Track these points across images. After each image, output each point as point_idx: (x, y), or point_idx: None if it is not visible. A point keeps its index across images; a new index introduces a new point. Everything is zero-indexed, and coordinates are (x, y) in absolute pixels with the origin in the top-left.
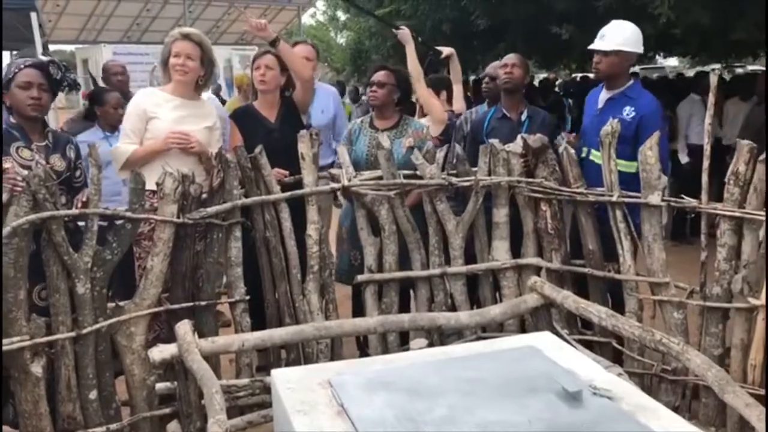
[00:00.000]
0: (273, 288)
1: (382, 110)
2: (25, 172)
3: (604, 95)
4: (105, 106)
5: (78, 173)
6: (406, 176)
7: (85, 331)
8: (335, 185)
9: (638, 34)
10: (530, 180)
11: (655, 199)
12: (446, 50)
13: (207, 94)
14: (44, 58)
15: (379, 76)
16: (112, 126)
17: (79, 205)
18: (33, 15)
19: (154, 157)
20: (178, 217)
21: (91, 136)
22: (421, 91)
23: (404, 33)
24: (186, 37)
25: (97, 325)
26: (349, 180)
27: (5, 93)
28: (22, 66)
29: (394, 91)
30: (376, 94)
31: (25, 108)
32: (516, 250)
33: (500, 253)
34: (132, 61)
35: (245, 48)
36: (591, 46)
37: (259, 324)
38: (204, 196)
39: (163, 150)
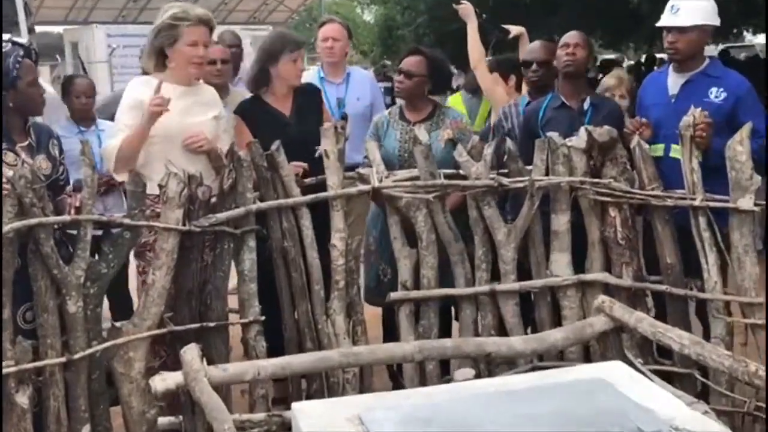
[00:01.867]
0: (292, 307)
1: (411, 101)
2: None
3: (676, 79)
4: (70, 94)
5: (61, 170)
6: (446, 176)
7: (76, 356)
8: (363, 187)
9: (714, 4)
10: (596, 180)
11: (746, 203)
12: (515, 29)
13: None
14: (23, 41)
15: (408, 63)
16: (84, 119)
17: (72, 210)
18: None
19: (144, 138)
20: (184, 225)
21: (62, 132)
22: (483, 76)
23: (466, 8)
24: (204, 22)
25: (91, 350)
26: (380, 180)
27: (6, 92)
28: (20, 59)
29: (424, 83)
30: (401, 85)
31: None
32: (579, 264)
33: (560, 268)
34: (128, 43)
35: (258, 27)
36: (663, 23)
37: (275, 349)
38: (213, 200)
39: (151, 124)
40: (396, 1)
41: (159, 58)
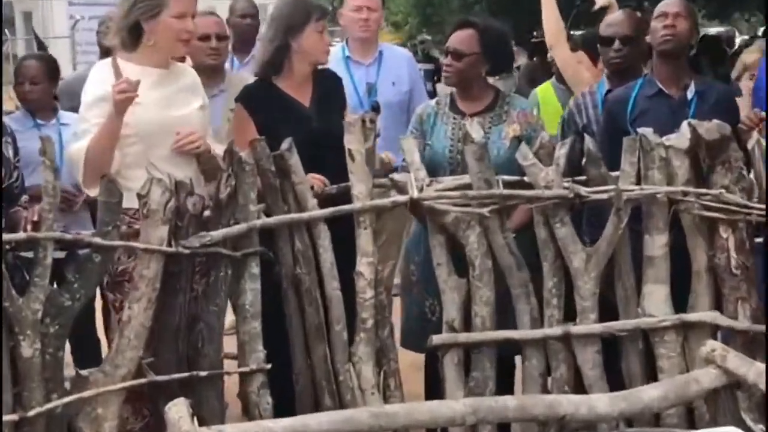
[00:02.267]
0: (305, 352)
1: (464, 88)
2: None
3: None
4: (23, 78)
5: (16, 175)
6: (507, 184)
7: (31, 412)
8: (399, 198)
9: None
10: (703, 191)
11: None
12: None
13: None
14: None
15: (457, 40)
16: (41, 109)
17: (28, 226)
18: None
19: (115, 136)
20: (169, 245)
21: (15, 125)
22: (562, 55)
23: None
24: None
25: (50, 405)
26: (421, 190)
27: None
28: None
29: (479, 63)
30: (450, 69)
31: None
32: (680, 300)
33: (656, 304)
34: (95, 14)
35: None
36: None
37: (284, 406)
38: (206, 213)
39: (121, 117)
40: None
41: (131, 34)
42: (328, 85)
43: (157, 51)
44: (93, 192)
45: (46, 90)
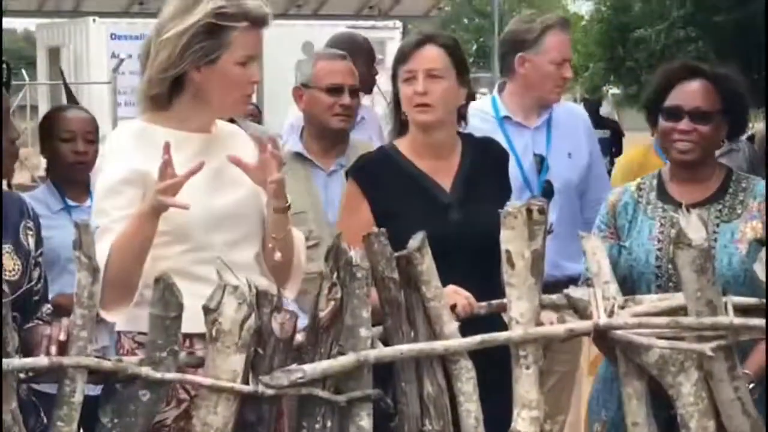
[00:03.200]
0: None
1: (687, 167)
2: None
3: None
4: (55, 139)
5: (37, 274)
6: (741, 309)
7: None
8: (578, 324)
9: None
10: None
11: None
12: None
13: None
14: None
15: (693, 96)
16: (76, 184)
17: (52, 348)
18: None
19: (149, 239)
20: (246, 381)
21: (38, 205)
22: None
23: None
24: (261, 23)
25: None
26: (611, 313)
27: None
28: None
29: (720, 128)
30: (691, 138)
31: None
32: None
33: None
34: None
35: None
36: None
37: None
38: (299, 338)
39: (156, 218)
40: None
41: (172, 86)
42: (484, 158)
43: (203, 109)
44: (114, 315)
45: (93, 156)
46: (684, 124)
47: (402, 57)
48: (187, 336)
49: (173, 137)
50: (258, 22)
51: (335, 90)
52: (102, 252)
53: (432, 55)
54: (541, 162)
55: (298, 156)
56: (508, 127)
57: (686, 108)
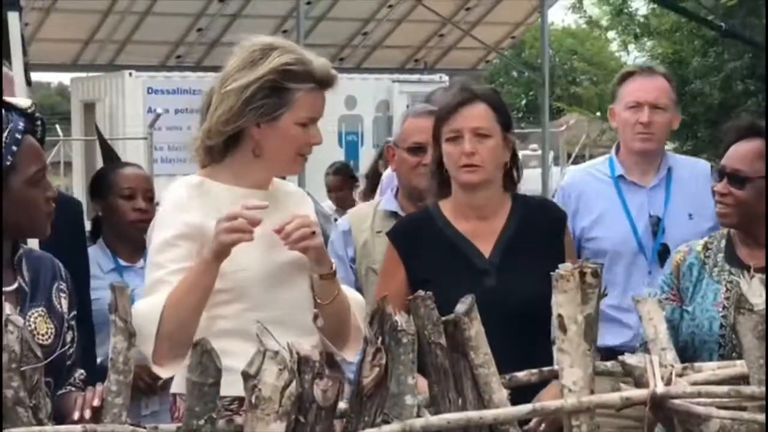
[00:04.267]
0: None
1: (749, 229)
2: None
3: None
4: (114, 195)
5: (69, 337)
6: None
7: None
8: (635, 393)
9: None
10: None
11: None
12: None
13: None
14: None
15: (741, 156)
16: (127, 242)
17: (86, 413)
18: (12, 16)
19: (208, 290)
20: None
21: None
22: None
23: None
24: (327, 83)
25: None
26: (669, 381)
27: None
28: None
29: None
30: (726, 201)
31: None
32: None
33: None
34: (183, 106)
35: (422, 78)
36: None
37: None
38: (342, 405)
39: (219, 261)
40: (690, 29)
41: (231, 139)
42: (535, 220)
43: (259, 165)
44: (167, 371)
45: (152, 214)
46: (721, 186)
47: (445, 115)
48: (237, 399)
49: (230, 192)
50: (323, 83)
51: (418, 149)
52: (156, 305)
53: (479, 113)
54: (657, 224)
55: (392, 215)
56: (623, 186)
57: (727, 169)
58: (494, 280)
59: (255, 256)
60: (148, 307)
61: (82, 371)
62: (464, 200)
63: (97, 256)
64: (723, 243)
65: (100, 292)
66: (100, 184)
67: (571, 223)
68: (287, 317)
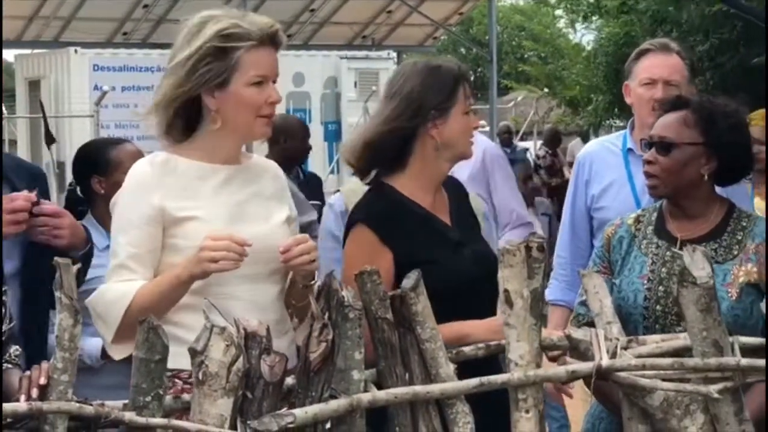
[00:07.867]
0: None
1: (677, 200)
2: None
3: None
4: (115, 174)
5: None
6: (746, 350)
7: None
8: (580, 366)
9: None
10: None
11: None
12: None
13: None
14: None
15: (665, 126)
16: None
17: (33, 391)
18: None
19: (180, 295)
20: (234, 426)
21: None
22: None
23: None
24: (273, 40)
25: None
26: (614, 354)
27: None
28: None
29: (699, 162)
30: (653, 170)
31: None
32: None
33: None
34: (129, 82)
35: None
36: None
37: None
38: (289, 380)
39: (194, 280)
40: (643, 8)
41: (184, 113)
42: (460, 197)
43: (226, 137)
44: (121, 353)
45: None
46: (650, 155)
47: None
48: (185, 372)
49: (197, 168)
50: (266, 40)
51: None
52: (125, 294)
53: None
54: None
55: None
56: (631, 159)
57: (655, 137)
58: (469, 249)
59: (218, 228)
60: (115, 296)
61: (17, 347)
62: (434, 175)
63: (95, 231)
64: (655, 216)
65: (96, 270)
66: (99, 161)
67: (583, 192)
68: (247, 294)
